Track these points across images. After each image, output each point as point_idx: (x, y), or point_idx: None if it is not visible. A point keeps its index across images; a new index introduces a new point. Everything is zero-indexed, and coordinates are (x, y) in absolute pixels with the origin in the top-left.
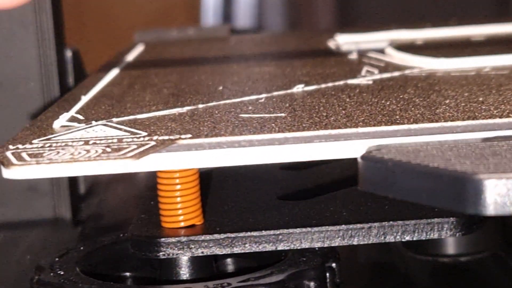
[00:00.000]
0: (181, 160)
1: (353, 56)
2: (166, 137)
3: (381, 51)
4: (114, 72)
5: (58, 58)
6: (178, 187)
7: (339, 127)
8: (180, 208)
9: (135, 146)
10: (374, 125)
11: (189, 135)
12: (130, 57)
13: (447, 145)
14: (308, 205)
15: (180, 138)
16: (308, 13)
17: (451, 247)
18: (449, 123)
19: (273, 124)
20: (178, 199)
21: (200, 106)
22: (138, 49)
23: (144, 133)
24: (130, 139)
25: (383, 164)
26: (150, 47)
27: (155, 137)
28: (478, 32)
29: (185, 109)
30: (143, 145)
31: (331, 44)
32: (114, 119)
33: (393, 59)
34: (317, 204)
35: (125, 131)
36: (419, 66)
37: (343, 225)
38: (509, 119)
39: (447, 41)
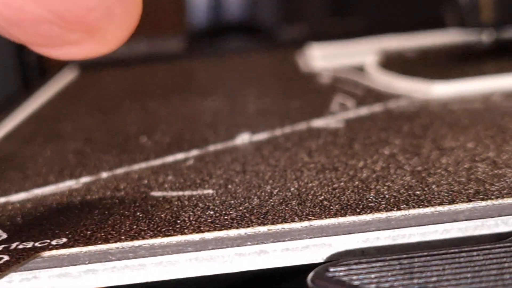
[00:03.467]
0: (49, 282)
1: (325, 78)
2: (30, 244)
3: (362, 68)
4: (23, 114)
5: (19, 58)
6: None
7: (285, 218)
8: None
9: None
10: (336, 212)
11: (64, 240)
12: (51, 89)
13: (445, 253)
14: None
15: (49, 247)
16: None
17: None
18: (446, 208)
19: (191, 213)
20: None
21: (104, 175)
22: (66, 77)
23: (3, 235)
24: None
25: None
26: (84, 73)
27: (14, 244)
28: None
29: (82, 181)
30: None
31: (301, 60)
32: None
33: (375, 82)
34: None
35: None
36: (409, 93)
37: None
38: None
39: (445, 49)
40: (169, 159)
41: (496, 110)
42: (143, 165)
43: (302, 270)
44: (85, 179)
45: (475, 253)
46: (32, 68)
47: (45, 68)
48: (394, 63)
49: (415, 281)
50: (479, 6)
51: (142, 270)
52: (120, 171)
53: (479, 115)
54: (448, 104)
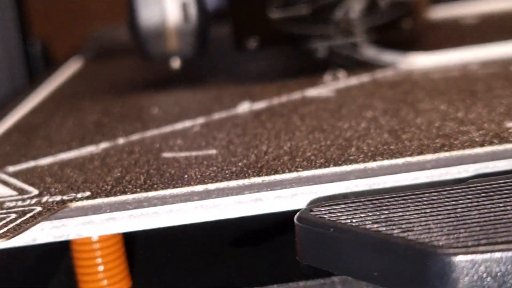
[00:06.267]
0: (76, 229)
1: (319, 52)
2: (58, 198)
3: (354, 43)
4: (45, 91)
5: (24, 50)
6: (97, 253)
7: (277, 171)
8: (101, 272)
9: (14, 216)
10: (321, 164)
11: (88, 193)
12: (70, 69)
13: (410, 194)
14: (254, 259)
15: (75, 199)
16: None
17: None
18: (416, 158)
19: (196, 169)
20: (98, 264)
21: (121, 141)
22: (84, 57)
23: (35, 192)
24: (14, 203)
25: (323, 229)
26: (99, 53)
27: (45, 198)
28: (471, 11)
29: (101, 146)
30: (25, 213)
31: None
32: (10, 168)
33: (365, 54)
34: (265, 256)
35: (14, 188)
36: (395, 63)
37: (300, 282)
38: (492, 147)
39: (434, 23)
40: (178, 126)
41: (471, 77)
42: (155, 131)
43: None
44: (104, 145)
45: (435, 194)
46: (36, 59)
47: (49, 59)
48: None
49: (383, 216)
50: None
51: (155, 217)
52: (134, 137)
53: (455, 82)
54: (429, 73)
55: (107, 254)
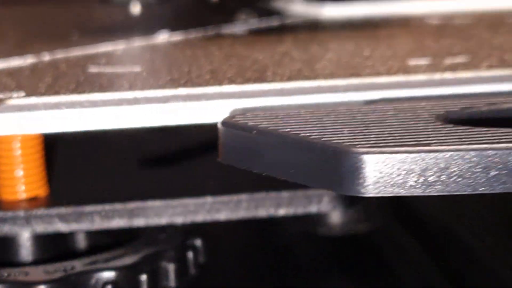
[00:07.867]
0: (10, 124)
1: None
2: None
3: None
4: None
5: None
6: (18, 152)
7: (200, 85)
8: (20, 177)
9: None
10: (241, 83)
11: (23, 93)
12: None
13: (323, 110)
14: (169, 173)
15: (11, 97)
16: None
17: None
18: (329, 82)
19: (124, 81)
20: (18, 166)
21: (47, 57)
22: None
23: None
24: None
25: (246, 132)
26: None
27: None
28: None
29: (28, 61)
30: None
31: None
32: None
33: (275, 4)
34: (179, 172)
35: None
36: (303, 13)
37: (208, 197)
38: (397, 77)
39: None
40: (100, 50)
41: (376, 25)
42: (77, 53)
43: None
44: (30, 60)
45: (344, 109)
46: None
47: None
48: None
49: (299, 124)
50: None
51: (89, 120)
52: (59, 56)
53: (360, 28)
54: (337, 21)
55: (28, 155)
